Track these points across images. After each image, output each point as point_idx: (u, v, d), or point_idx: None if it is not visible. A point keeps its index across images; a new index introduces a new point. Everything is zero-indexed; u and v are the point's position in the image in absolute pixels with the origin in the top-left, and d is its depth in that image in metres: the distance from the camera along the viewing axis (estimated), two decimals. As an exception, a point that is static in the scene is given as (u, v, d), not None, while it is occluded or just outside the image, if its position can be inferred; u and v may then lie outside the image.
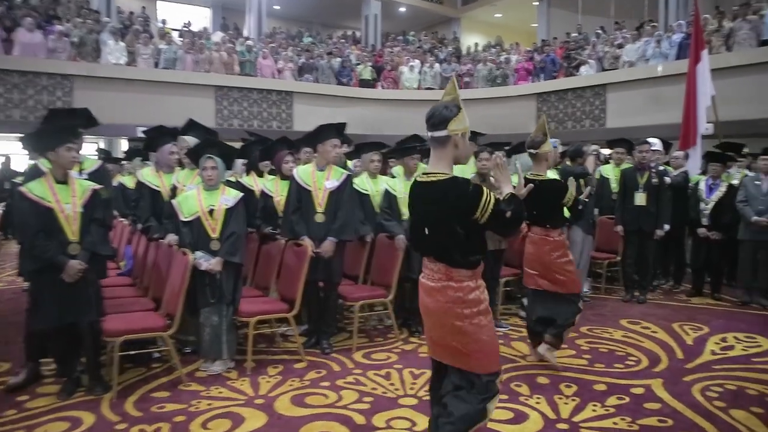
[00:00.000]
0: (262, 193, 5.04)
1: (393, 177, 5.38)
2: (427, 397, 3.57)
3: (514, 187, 2.58)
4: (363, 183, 5.18)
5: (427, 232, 2.48)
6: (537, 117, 14.92)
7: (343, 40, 18.16)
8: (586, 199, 4.59)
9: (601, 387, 3.84)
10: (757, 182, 6.10)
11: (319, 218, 4.47)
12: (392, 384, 3.88)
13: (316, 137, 4.60)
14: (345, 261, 4.81)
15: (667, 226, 6.29)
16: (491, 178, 3.27)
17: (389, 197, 5.05)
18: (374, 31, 19.06)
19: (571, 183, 4.25)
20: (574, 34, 15.77)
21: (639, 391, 3.78)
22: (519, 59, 15.85)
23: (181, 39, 14.13)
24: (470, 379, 2.46)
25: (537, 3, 19.58)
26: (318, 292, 4.66)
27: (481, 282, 2.52)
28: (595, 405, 3.55)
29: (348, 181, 4.67)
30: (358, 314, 4.65)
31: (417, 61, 16.08)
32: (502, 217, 2.40)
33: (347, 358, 4.40)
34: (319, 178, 4.55)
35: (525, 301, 5.08)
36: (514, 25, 21.90)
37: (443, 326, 2.47)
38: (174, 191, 4.58)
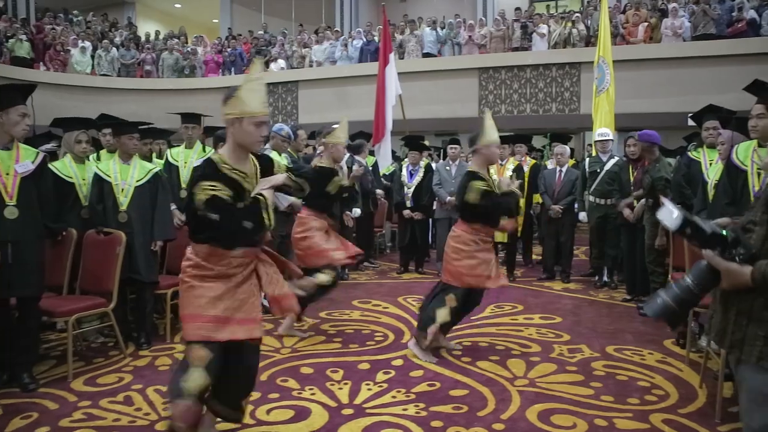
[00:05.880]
0: None
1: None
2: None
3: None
4: (66, 168, 4.11)
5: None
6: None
7: (-17, 7, 14.62)
8: None
9: (365, 366, 3.81)
10: (447, 168, 7.01)
11: (11, 213, 3.33)
12: (138, 409, 3.13)
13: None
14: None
15: (358, 211, 6.70)
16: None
17: (100, 184, 4.12)
18: (25, 3, 15.87)
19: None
20: (260, 32, 15.89)
21: (399, 362, 3.87)
22: (207, 51, 15.21)
23: None
24: None
25: (220, -3, 19.18)
26: (8, 312, 3.49)
27: (196, 259, 2.46)
28: (368, 383, 3.48)
29: (46, 163, 3.63)
30: (71, 332, 3.64)
31: (88, 43, 13.99)
32: (206, 219, 2.32)
33: (64, 390, 3.39)
34: (5, 160, 3.39)
35: None
36: (194, 18, 21.00)
37: None
38: None
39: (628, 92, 10.18)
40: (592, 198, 6.30)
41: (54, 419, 2.99)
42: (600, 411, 3.11)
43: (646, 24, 11.38)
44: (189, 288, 2.44)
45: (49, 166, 4.09)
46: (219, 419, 2.71)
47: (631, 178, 5.60)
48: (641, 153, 5.42)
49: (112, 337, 4.20)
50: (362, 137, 8.21)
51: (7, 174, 3.35)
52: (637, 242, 5.39)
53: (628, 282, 5.79)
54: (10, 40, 12.78)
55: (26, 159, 3.45)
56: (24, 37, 13.06)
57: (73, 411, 3.10)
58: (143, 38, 16.73)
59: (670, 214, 1.57)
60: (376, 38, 12.92)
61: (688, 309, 1.60)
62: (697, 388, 3.41)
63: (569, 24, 11.86)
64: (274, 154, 5.35)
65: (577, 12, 12.78)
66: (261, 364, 3.78)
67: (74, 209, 4.17)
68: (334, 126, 4.63)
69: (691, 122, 5.65)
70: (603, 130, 6.59)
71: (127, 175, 4.14)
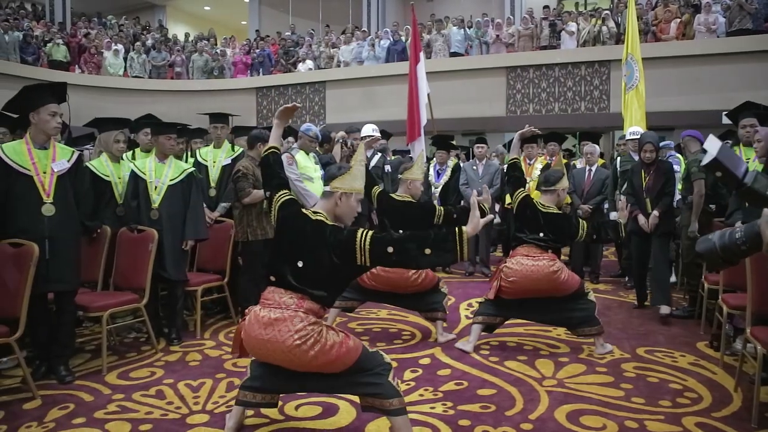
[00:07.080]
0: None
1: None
2: (220, 410, 3.07)
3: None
4: (102, 167, 4.22)
5: (301, 265, 2.46)
6: (257, 111, 14.73)
7: (22, 11, 15.06)
8: None
9: (393, 364, 3.79)
10: (474, 167, 6.98)
11: (48, 210, 3.42)
12: (170, 403, 3.19)
13: (28, 103, 3.47)
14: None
15: None
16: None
17: (136, 182, 4.22)
18: (62, 8, 16.32)
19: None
20: (287, 33, 16.03)
21: (426, 361, 3.87)
22: (236, 52, 15.41)
23: None
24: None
25: (248, 0, 19.40)
26: (46, 306, 3.60)
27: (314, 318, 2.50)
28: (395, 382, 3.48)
29: (82, 162, 3.73)
30: (106, 327, 3.73)
31: (121, 46, 14.31)
32: (386, 255, 2.38)
33: (98, 383, 3.48)
34: (41, 159, 3.49)
35: None
36: (223, 20, 21.32)
37: (285, 356, 2.45)
38: None
39: (660, 90, 9.98)
40: (623, 198, 6.17)
41: (89, 411, 3.07)
42: (630, 413, 3.06)
43: (678, 20, 11.15)
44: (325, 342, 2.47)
45: (86, 164, 4.23)
46: (250, 413, 2.76)
47: (644, 183, 5.39)
48: (684, 145, 5.47)
49: (144, 332, 4.30)
50: (384, 137, 8.22)
51: (44, 172, 3.45)
52: (650, 250, 5.22)
53: (638, 290, 5.43)
54: (48, 45, 13.14)
55: (62, 158, 3.55)
56: (61, 41, 13.42)
57: (107, 403, 3.18)
58: (173, 40, 17.05)
59: (709, 149, 1.58)
60: (403, 38, 12.93)
61: (730, 260, 1.65)
62: (731, 392, 3.33)
63: (599, 21, 11.68)
64: (301, 153, 5.41)
65: (606, 9, 12.58)
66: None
67: (110, 207, 4.29)
68: (410, 165, 4.50)
69: (726, 120, 5.51)
70: (635, 129, 6.47)
71: (161, 173, 4.23)
